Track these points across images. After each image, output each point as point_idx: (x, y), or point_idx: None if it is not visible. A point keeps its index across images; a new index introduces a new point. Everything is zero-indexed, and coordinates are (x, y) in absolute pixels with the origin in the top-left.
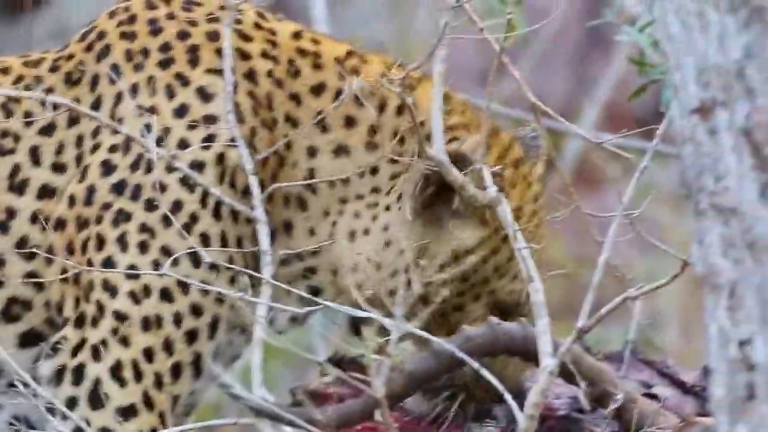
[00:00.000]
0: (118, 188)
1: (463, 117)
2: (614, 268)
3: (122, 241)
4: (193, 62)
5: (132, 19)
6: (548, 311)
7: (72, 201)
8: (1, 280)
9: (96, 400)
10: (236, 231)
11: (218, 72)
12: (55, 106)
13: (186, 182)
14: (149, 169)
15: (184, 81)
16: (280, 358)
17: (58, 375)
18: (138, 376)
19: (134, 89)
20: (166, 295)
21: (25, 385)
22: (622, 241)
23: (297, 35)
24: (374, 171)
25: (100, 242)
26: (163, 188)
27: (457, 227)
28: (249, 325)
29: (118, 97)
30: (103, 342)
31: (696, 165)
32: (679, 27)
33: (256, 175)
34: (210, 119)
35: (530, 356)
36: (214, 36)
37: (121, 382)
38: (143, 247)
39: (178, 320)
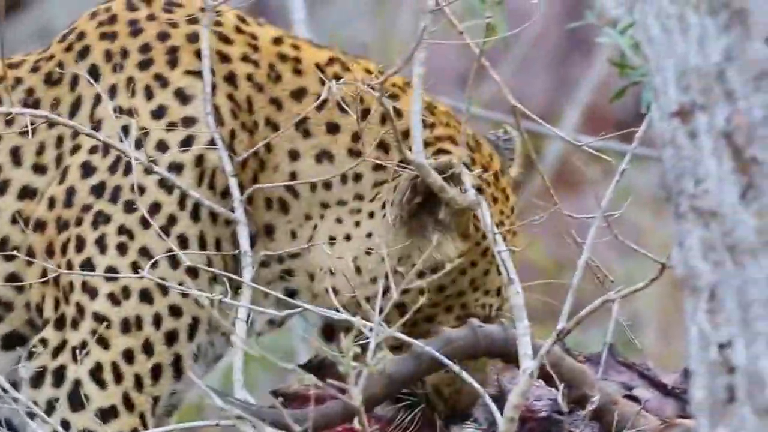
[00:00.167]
0: (98, 190)
1: (448, 129)
2: (594, 270)
3: (101, 243)
4: (173, 63)
5: (112, 20)
6: (528, 313)
7: (52, 203)
8: None
9: (76, 402)
10: (215, 232)
11: (197, 74)
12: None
13: (164, 184)
14: (128, 171)
15: (163, 82)
16: (260, 361)
17: (39, 376)
18: (118, 377)
19: (113, 90)
20: (145, 297)
21: (4, 391)
22: (601, 243)
23: (278, 40)
24: (358, 178)
25: (80, 244)
26: (141, 190)
27: (440, 238)
28: (227, 330)
29: (98, 98)
30: (83, 344)
31: (676, 168)
32: (659, 30)
33: (236, 176)
34: (189, 121)
35: (511, 358)
36: (194, 38)
37: (102, 383)
38: (122, 248)
39: (157, 321)
